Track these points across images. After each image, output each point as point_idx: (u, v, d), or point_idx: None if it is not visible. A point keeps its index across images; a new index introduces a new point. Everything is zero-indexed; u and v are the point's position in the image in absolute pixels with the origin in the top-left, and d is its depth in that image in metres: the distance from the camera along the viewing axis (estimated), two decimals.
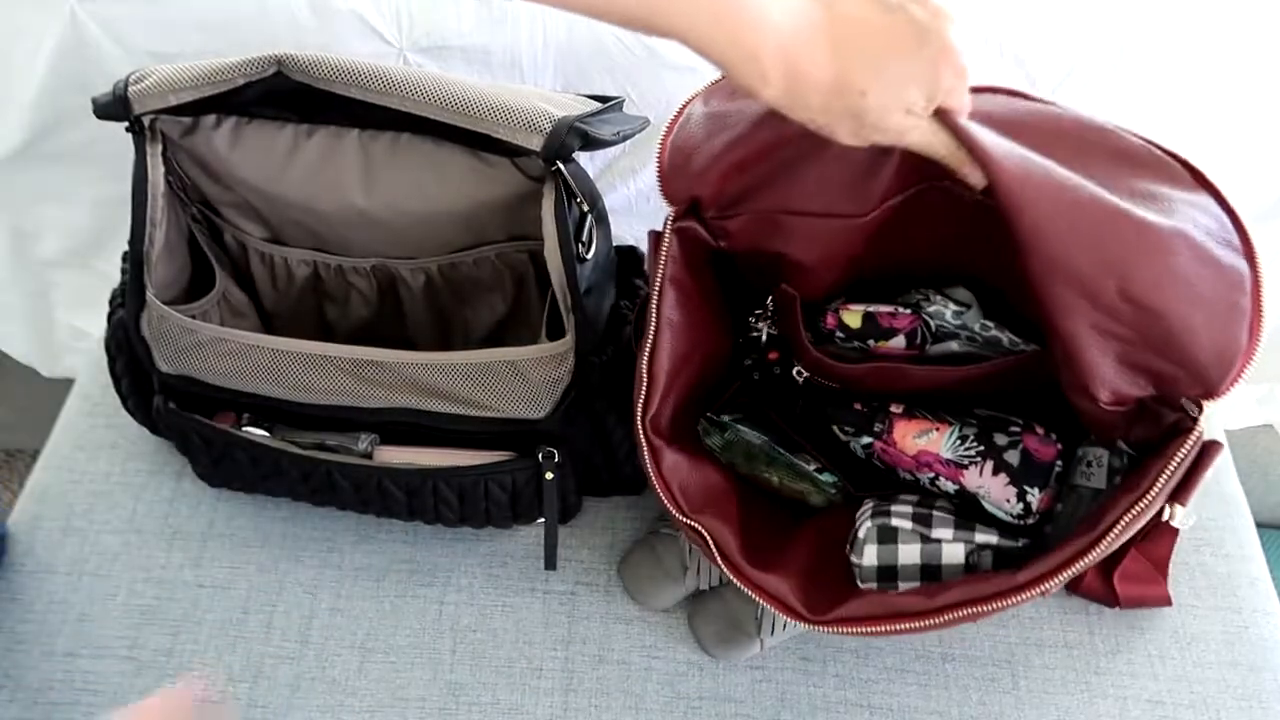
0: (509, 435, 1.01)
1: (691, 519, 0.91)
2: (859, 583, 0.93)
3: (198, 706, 0.64)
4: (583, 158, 0.96)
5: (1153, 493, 0.75)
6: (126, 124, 0.95)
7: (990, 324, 0.93)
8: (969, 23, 1.01)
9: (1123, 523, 0.76)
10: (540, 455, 1.01)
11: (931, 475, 0.97)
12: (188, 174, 1.02)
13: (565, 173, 0.90)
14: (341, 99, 0.91)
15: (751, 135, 0.86)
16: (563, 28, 1.13)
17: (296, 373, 0.97)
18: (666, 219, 0.91)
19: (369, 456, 1.02)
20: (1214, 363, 0.73)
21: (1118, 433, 0.83)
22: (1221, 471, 1.25)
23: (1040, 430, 0.93)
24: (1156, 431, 0.78)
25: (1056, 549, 0.79)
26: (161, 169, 0.97)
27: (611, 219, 1.03)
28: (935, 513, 0.94)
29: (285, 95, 0.94)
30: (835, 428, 1.02)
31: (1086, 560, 0.77)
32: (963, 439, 0.95)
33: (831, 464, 1.05)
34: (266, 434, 1.03)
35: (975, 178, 0.76)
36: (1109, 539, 0.76)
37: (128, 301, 0.99)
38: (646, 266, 0.93)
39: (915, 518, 0.94)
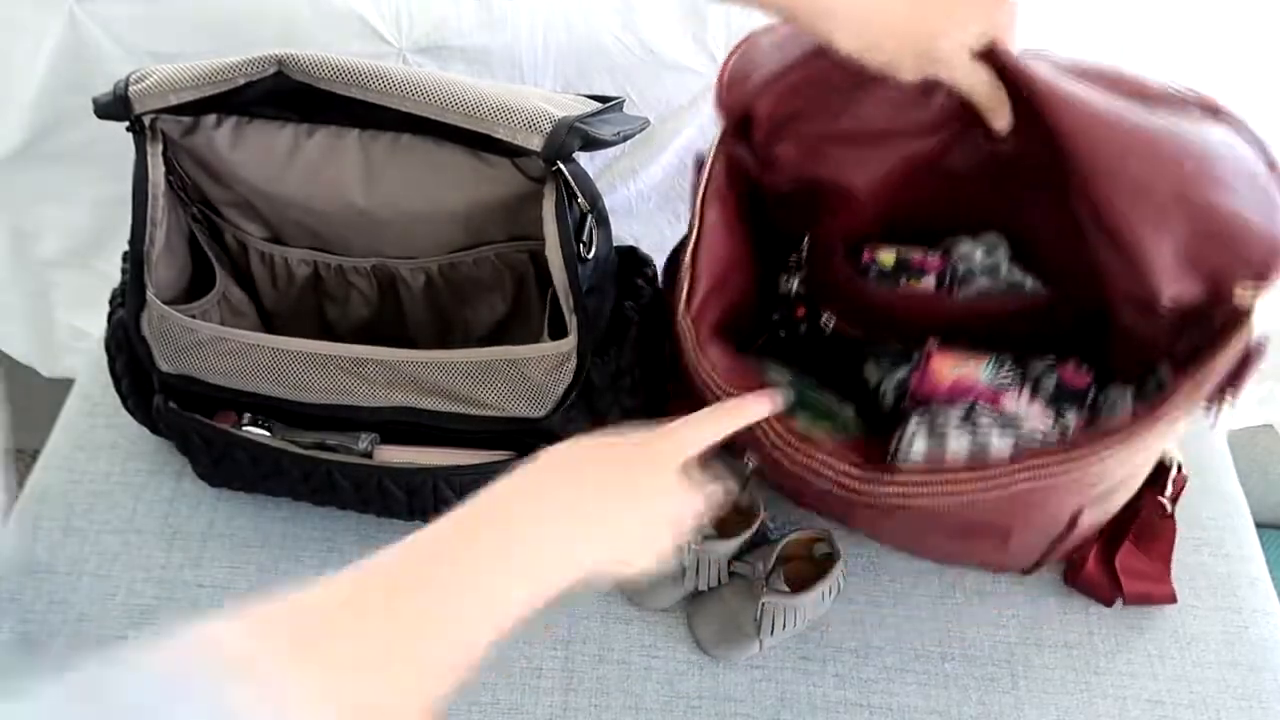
0: (510, 434, 1.01)
1: (741, 394, 0.87)
2: None
3: None
4: (582, 158, 0.96)
5: (1212, 372, 0.78)
6: (127, 124, 0.95)
7: (1016, 268, 0.98)
8: None
9: (1181, 402, 0.78)
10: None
11: (969, 402, 0.95)
12: (188, 174, 1.02)
13: (566, 173, 0.90)
14: (342, 99, 0.91)
15: (810, 61, 0.90)
16: (562, 28, 1.13)
17: (297, 372, 0.97)
18: (714, 140, 0.96)
19: (369, 456, 1.02)
20: (1265, 250, 0.77)
21: (1162, 347, 0.84)
22: (1221, 471, 1.25)
23: (1073, 363, 0.95)
24: (1204, 339, 0.80)
25: (1114, 425, 0.79)
26: (162, 169, 0.97)
27: (612, 219, 1.03)
28: (982, 417, 0.94)
29: (286, 95, 0.94)
30: (870, 363, 1.03)
31: (1142, 435, 0.78)
32: (999, 365, 0.95)
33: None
34: (267, 434, 1.02)
35: (1002, 121, 0.84)
36: (1169, 415, 0.78)
37: (128, 301, 0.99)
38: (692, 184, 0.97)
39: (963, 418, 0.93)
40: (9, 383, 1.19)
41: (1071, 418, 0.92)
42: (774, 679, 1.08)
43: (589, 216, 0.94)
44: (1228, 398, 0.80)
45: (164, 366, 1.00)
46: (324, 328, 1.14)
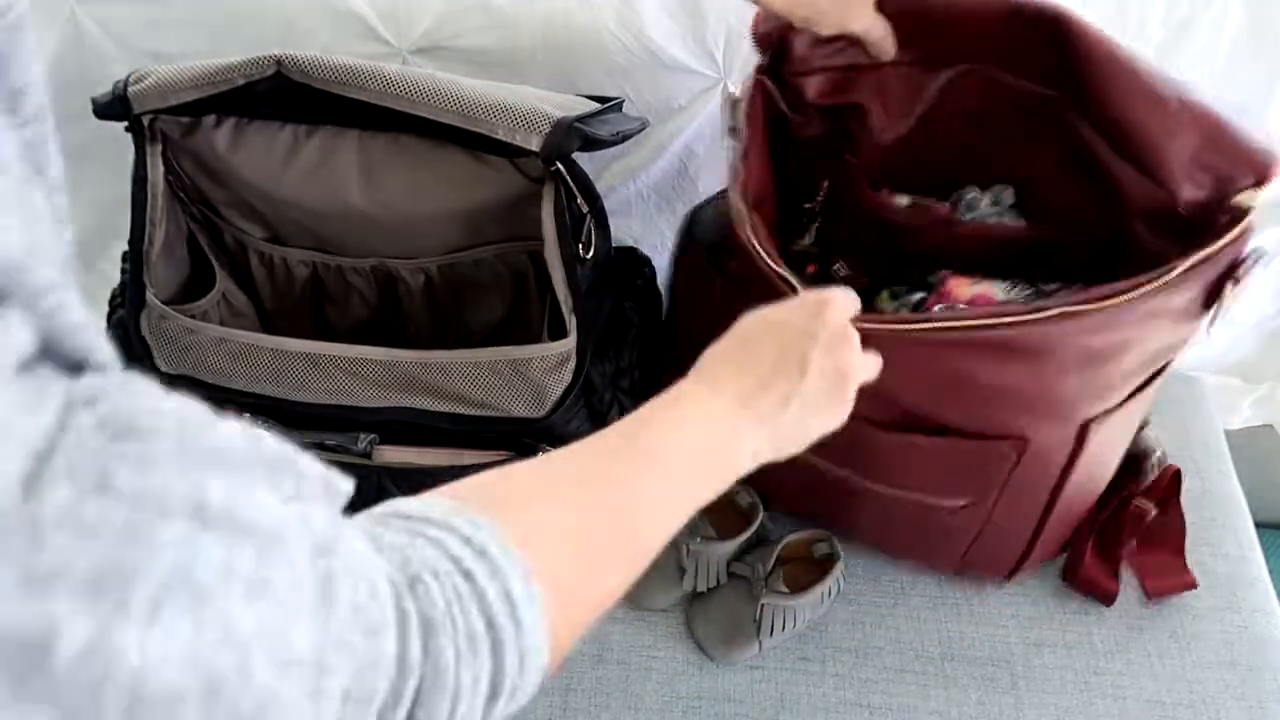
0: (509, 435, 1.01)
1: (788, 275, 0.87)
2: None
3: None
4: (582, 158, 0.96)
5: (1216, 253, 0.81)
6: (126, 124, 0.95)
7: (1020, 217, 1.04)
8: None
9: (1186, 271, 0.80)
10: (540, 455, 1.01)
11: None
12: (188, 174, 1.02)
13: (564, 173, 0.90)
14: (341, 99, 0.91)
15: None
16: (562, 29, 1.13)
17: (296, 372, 0.97)
18: (751, 72, 0.99)
19: (368, 456, 1.02)
20: (1263, 154, 0.84)
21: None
22: (1221, 471, 1.25)
23: (1081, 288, 0.96)
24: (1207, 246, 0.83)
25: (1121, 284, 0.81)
26: (161, 169, 0.97)
27: (612, 219, 1.03)
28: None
29: (285, 95, 0.94)
30: (885, 295, 1.04)
31: (1143, 300, 0.80)
32: (1014, 285, 0.98)
33: None
34: None
35: (889, 53, 0.96)
36: (1173, 278, 0.80)
37: (127, 301, 0.99)
38: (730, 122, 0.98)
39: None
40: None
41: None
42: (774, 679, 1.08)
43: (588, 217, 0.94)
44: (1228, 291, 0.82)
45: (163, 367, 1.00)
46: (323, 328, 1.14)
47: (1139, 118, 0.89)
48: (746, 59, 0.99)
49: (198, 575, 0.31)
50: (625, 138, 0.97)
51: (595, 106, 0.97)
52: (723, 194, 0.99)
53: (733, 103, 0.97)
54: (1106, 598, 1.12)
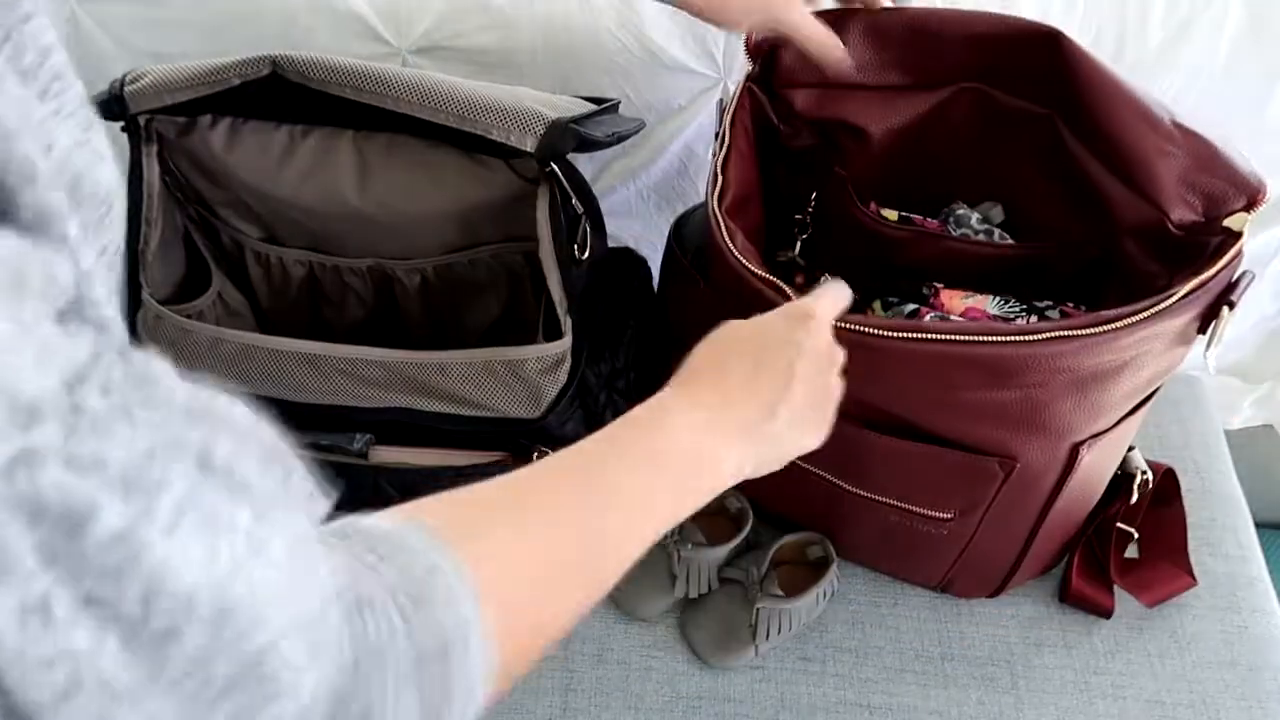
0: (505, 435, 1.01)
1: (765, 275, 0.87)
2: None
3: None
4: (581, 159, 0.96)
5: (1210, 279, 0.81)
6: (122, 124, 0.95)
7: (1008, 236, 1.04)
8: None
9: (1182, 298, 0.79)
10: (535, 455, 1.01)
11: None
12: (184, 174, 1.02)
13: (560, 174, 0.90)
14: (337, 99, 0.91)
15: (837, 17, 0.99)
16: (562, 28, 1.13)
17: (292, 372, 0.97)
18: (741, 79, 1.00)
19: (364, 456, 1.02)
20: (1253, 178, 0.84)
21: (1160, 287, 0.86)
22: (1221, 471, 1.25)
23: (1071, 306, 0.98)
24: (1198, 269, 0.82)
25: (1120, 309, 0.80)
26: (157, 169, 0.97)
27: (611, 220, 1.03)
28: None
29: (281, 95, 0.94)
30: (876, 304, 1.04)
31: (1141, 325, 0.79)
32: (1005, 301, 0.98)
33: None
34: None
35: (841, 64, 0.94)
36: (1170, 307, 0.79)
37: (123, 302, 0.99)
38: (717, 127, 0.99)
39: None
40: None
41: None
42: (773, 679, 1.08)
43: (583, 218, 0.94)
44: (1224, 315, 0.82)
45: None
46: (320, 328, 1.14)
47: (1131, 136, 0.90)
48: (745, 61, 0.99)
49: (208, 510, 0.33)
50: (622, 139, 0.97)
51: (592, 108, 0.97)
52: None
53: (720, 108, 0.98)
54: (1104, 612, 1.12)
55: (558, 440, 1.02)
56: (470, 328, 1.13)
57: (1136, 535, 1.11)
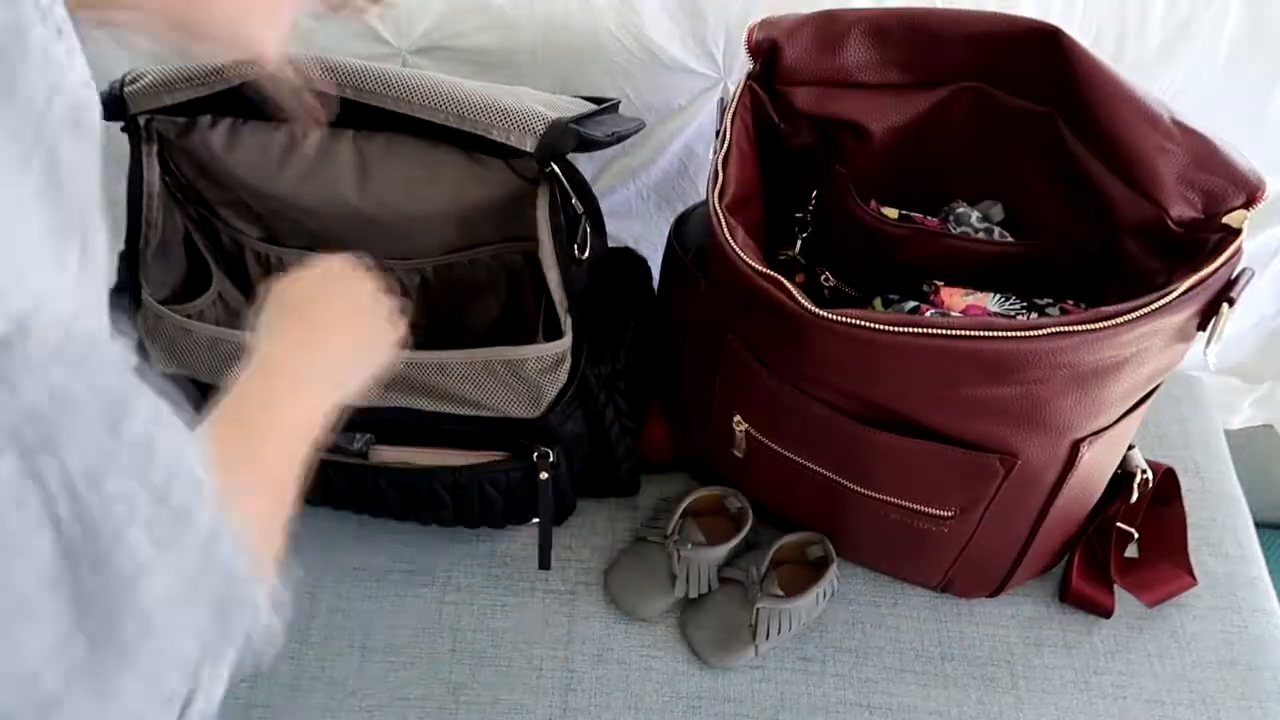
0: (504, 435, 1.01)
1: (766, 271, 0.88)
2: None
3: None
4: (581, 159, 0.96)
5: (1210, 276, 0.81)
6: (122, 124, 0.95)
7: (1008, 234, 1.04)
8: None
9: (1181, 294, 0.80)
10: (535, 455, 1.01)
11: None
12: (184, 174, 1.02)
13: (559, 174, 0.90)
14: (336, 99, 0.91)
15: (837, 16, 1.00)
16: (561, 29, 1.13)
17: None
18: (742, 78, 1.00)
19: (364, 456, 1.02)
20: (1252, 175, 0.85)
21: (1160, 280, 0.87)
22: (1221, 471, 1.25)
23: (1071, 304, 0.98)
24: (1198, 266, 0.83)
25: (1120, 305, 0.81)
26: (157, 169, 0.97)
27: (611, 220, 1.03)
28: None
29: None
30: (877, 302, 1.05)
31: (1142, 321, 0.79)
32: (1006, 299, 0.98)
33: None
34: None
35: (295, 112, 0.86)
36: (1170, 303, 0.80)
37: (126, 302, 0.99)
38: (717, 125, 1.00)
39: None
40: None
41: None
42: (774, 679, 1.08)
43: (583, 218, 0.94)
44: (1224, 312, 0.82)
45: (159, 367, 1.00)
46: None
47: (1131, 134, 0.90)
48: (745, 60, 0.99)
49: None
50: (621, 138, 0.97)
51: (591, 107, 0.97)
52: None
53: (721, 107, 0.98)
54: (1104, 612, 1.12)
55: (558, 439, 1.02)
56: (470, 328, 1.13)
57: (1136, 535, 1.11)
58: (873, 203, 1.05)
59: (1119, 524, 1.09)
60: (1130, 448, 1.07)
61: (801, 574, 1.11)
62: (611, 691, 1.08)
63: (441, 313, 1.12)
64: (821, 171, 1.06)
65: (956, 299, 0.99)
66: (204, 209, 1.07)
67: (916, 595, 1.14)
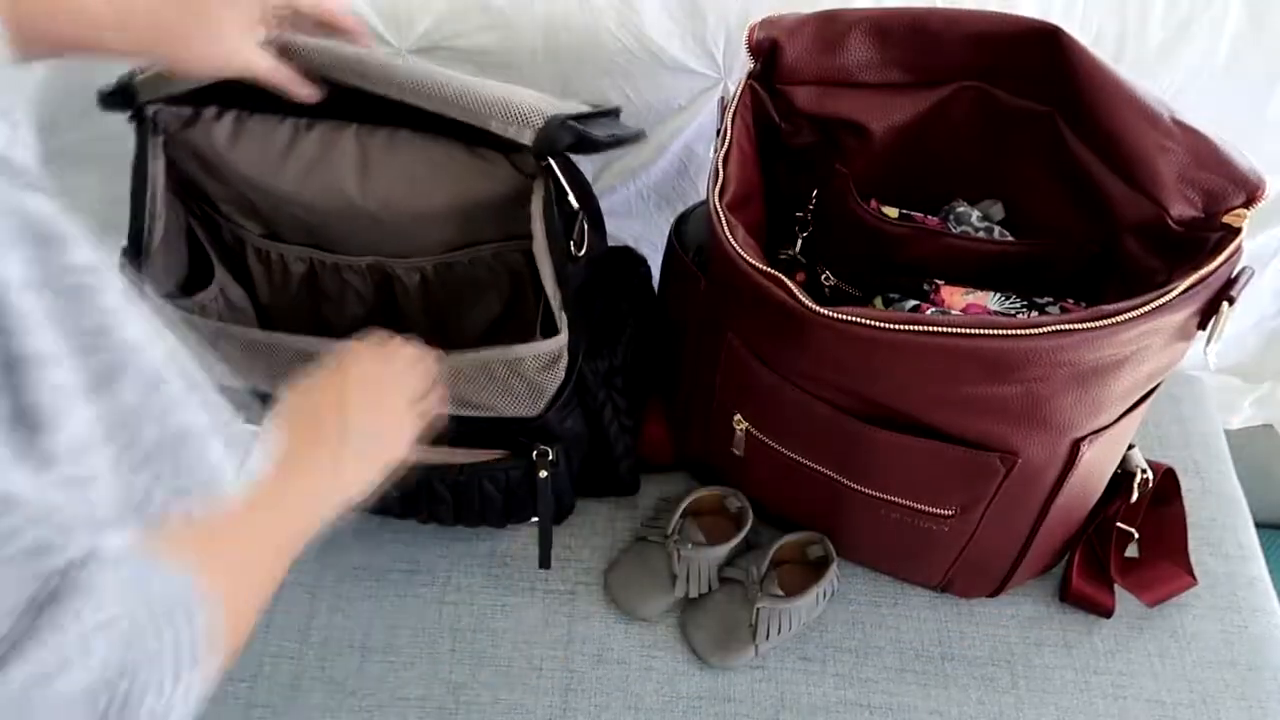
0: (504, 433, 1.01)
1: (766, 269, 0.89)
2: None
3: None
4: (581, 159, 0.96)
5: (1214, 271, 0.81)
6: (129, 114, 0.95)
7: (1008, 233, 1.04)
8: None
9: (1182, 293, 0.80)
10: (534, 454, 1.01)
11: None
12: (187, 169, 1.02)
13: (556, 169, 0.90)
14: (340, 91, 0.91)
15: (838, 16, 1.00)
16: (562, 29, 1.13)
17: (294, 369, 0.97)
18: (742, 78, 1.01)
19: None
20: (1252, 174, 0.85)
21: (1160, 279, 0.87)
22: (1221, 471, 1.25)
23: (1072, 301, 0.99)
24: (1198, 265, 0.83)
25: (1120, 303, 0.81)
26: (162, 161, 0.97)
27: (612, 219, 1.03)
28: None
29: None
30: (878, 301, 1.05)
31: (1142, 320, 0.79)
32: (1006, 297, 0.98)
33: None
34: None
35: (305, 92, 0.88)
36: (1170, 302, 0.80)
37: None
38: (718, 125, 1.00)
39: None
40: None
41: None
42: (774, 679, 1.08)
43: (580, 214, 0.94)
44: (1224, 311, 0.82)
45: None
46: (319, 326, 1.14)
47: (1131, 133, 0.90)
48: (746, 59, 0.99)
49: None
50: (620, 142, 0.97)
51: (590, 109, 0.97)
52: None
53: (721, 106, 0.98)
54: (1104, 612, 1.12)
55: (557, 438, 1.02)
56: (470, 326, 1.13)
57: (1137, 535, 1.11)
58: (873, 202, 1.05)
59: (1119, 524, 1.09)
60: (1130, 447, 1.07)
61: (801, 574, 1.11)
62: (611, 691, 1.08)
63: (441, 311, 1.12)
64: (822, 171, 1.06)
65: (957, 298, 0.99)
66: (206, 204, 1.07)
67: (916, 595, 1.14)
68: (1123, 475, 1.07)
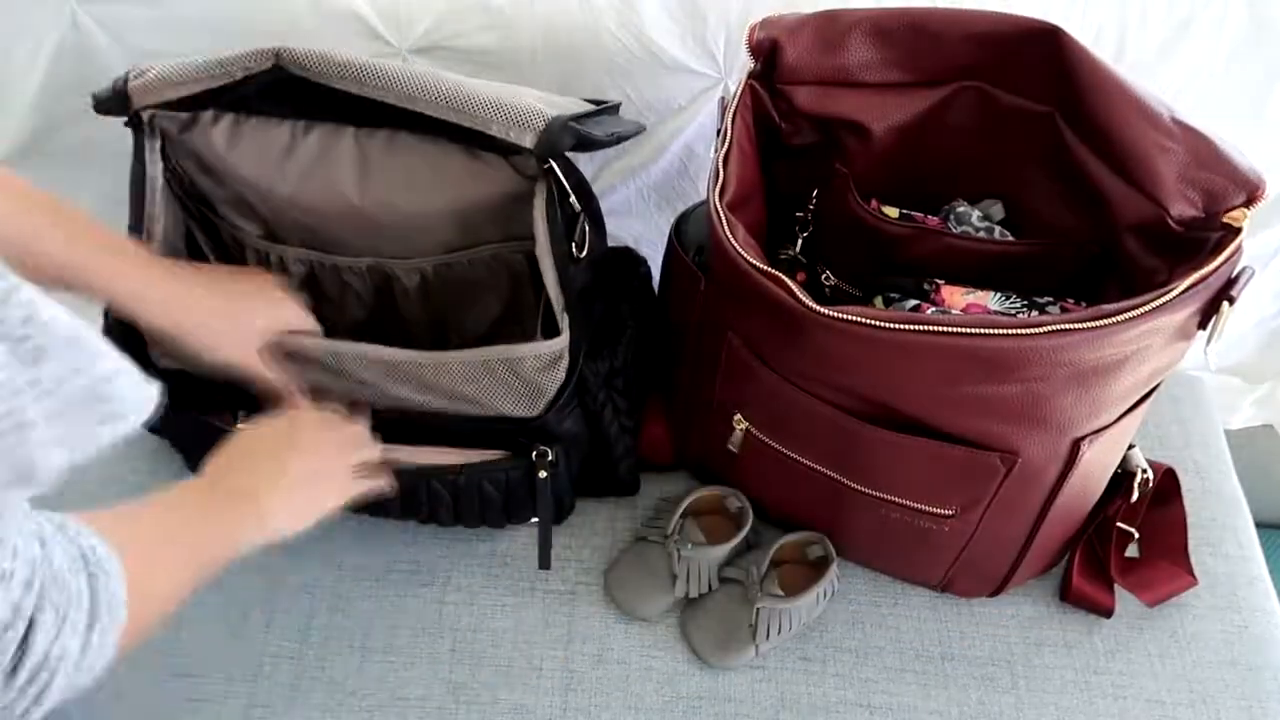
0: (504, 433, 1.01)
1: (767, 269, 0.89)
2: None
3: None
4: (582, 158, 0.96)
5: (1210, 273, 0.81)
6: (125, 119, 0.95)
7: (1009, 233, 1.04)
8: None
9: (1182, 292, 0.80)
10: (534, 454, 1.01)
11: None
12: (186, 171, 1.02)
13: (557, 171, 0.90)
14: (339, 94, 0.91)
15: (838, 16, 1.00)
16: (562, 28, 1.13)
17: (292, 369, 0.97)
18: (742, 77, 1.01)
19: None
20: (1252, 174, 0.84)
21: (1160, 279, 0.87)
22: (1221, 471, 1.25)
23: (1072, 301, 0.99)
24: (1198, 265, 0.83)
25: (1120, 303, 0.80)
26: (160, 164, 0.97)
27: (611, 219, 1.03)
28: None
29: (283, 90, 0.93)
30: (878, 300, 1.05)
31: (1142, 319, 0.79)
32: (1006, 297, 0.98)
33: None
34: None
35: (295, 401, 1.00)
36: (1171, 301, 0.80)
37: None
38: (718, 125, 1.00)
39: None
40: None
41: None
42: (774, 679, 1.08)
43: (581, 216, 0.94)
44: (1224, 310, 0.82)
45: (159, 362, 1.00)
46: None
47: (1131, 133, 0.90)
48: (746, 59, 0.99)
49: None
50: (621, 139, 0.97)
51: (591, 108, 0.97)
52: None
53: (721, 106, 0.98)
54: (1104, 612, 1.12)
55: (557, 438, 1.02)
56: (470, 327, 1.13)
57: (1137, 535, 1.11)
58: (873, 202, 1.05)
59: (1119, 523, 1.09)
60: (1130, 447, 1.07)
61: (801, 574, 1.11)
62: (611, 691, 1.08)
63: (441, 312, 1.11)
64: (822, 170, 1.06)
65: (957, 297, 0.99)
66: (205, 207, 1.07)
67: (916, 595, 1.14)
68: (1123, 475, 1.07)
